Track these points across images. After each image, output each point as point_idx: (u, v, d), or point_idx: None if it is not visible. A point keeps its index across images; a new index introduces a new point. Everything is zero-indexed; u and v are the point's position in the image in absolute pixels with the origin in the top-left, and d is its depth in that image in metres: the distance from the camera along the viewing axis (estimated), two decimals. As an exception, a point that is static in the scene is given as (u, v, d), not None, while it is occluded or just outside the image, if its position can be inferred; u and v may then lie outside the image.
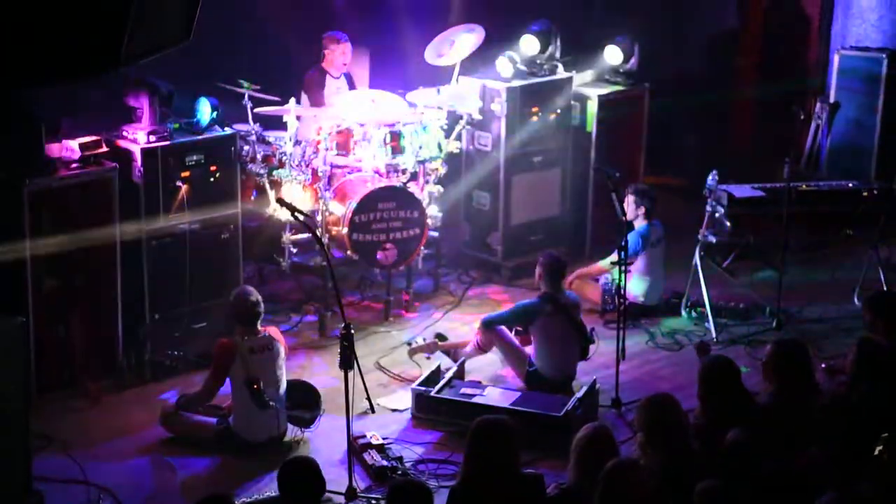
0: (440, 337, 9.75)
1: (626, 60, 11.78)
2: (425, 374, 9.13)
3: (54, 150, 8.78)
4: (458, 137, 10.99)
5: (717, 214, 10.34)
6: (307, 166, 10.09)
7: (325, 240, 9.84)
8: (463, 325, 10.25)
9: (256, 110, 10.07)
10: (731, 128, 13.86)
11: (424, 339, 9.71)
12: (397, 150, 10.30)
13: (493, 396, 8.78)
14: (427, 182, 10.57)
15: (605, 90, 11.71)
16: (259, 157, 10.04)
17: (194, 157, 9.25)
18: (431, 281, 11.07)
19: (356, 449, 8.10)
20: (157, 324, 9.25)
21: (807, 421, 6.99)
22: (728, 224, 10.34)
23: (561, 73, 11.42)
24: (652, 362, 9.75)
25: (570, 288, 9.76)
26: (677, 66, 12.90)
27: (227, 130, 9.56)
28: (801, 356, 7.44)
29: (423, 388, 8.88)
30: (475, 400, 8.71)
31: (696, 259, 10.37)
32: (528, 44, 11.25)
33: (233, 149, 9.50)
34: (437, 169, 10.60)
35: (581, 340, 9.13)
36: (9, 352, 7.10)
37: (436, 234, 10.71)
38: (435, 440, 8.56)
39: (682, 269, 10.53)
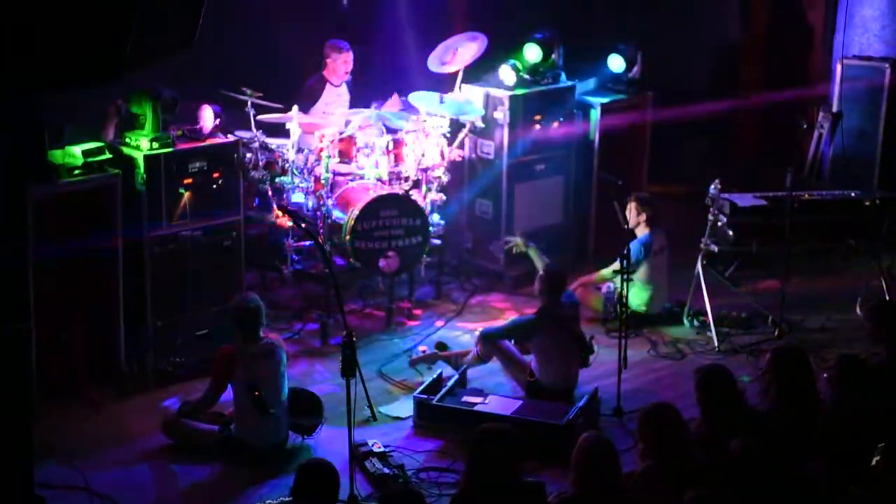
0: (441, 346, 9.75)
1: (629, 69, 11.80)
2: (427, 382, 9.12)
3: (57, 156, 8.78)
4: (461, 145, 11.00)
5: (719, 223, 10.34)
6: (310, 174, 10.09)
7: (328, 247, 9.84)
8: (465, 334, 10.25)
9: (259, 117, 10.08)
10: (734, 136, 13.87)
11: (426, 348, 9.72)
12: (400, 158, 10.32)
13: (495, 405, 8.77)
14: (429, 190, 10.58)
15: (608, 98, 11.71)
16: (262, 164, 10.05)
17: (197, 164, 9.25)
18: (433, 289, 11.08)
19: (358, 457, 8.10)
20: (158, 331, 9.25)
21: (808, 429, 6.98)
22: (730, 233, 10.34)
23: (564, 81, 11.42)
24: (654, 371, 9.75)
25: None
26: (680, 75, 12.90)
27: (230, 137, 9.56)
28: (800, 362, 7.44)
29: (425, 396, 8.88)
30: (477, 408, 8.71)
31: (699, 268, 10.37)
32: (531, 52, 11.26)
33: (235, 156, 9.50)
34: (439, 177, 10.60)
35: (581, 351, 9.12)
36: (11, 359, 7.10)
37: (438, 241, 10.71)
38: (436, 448, 8.55)
39: (684, 277, 10.52)
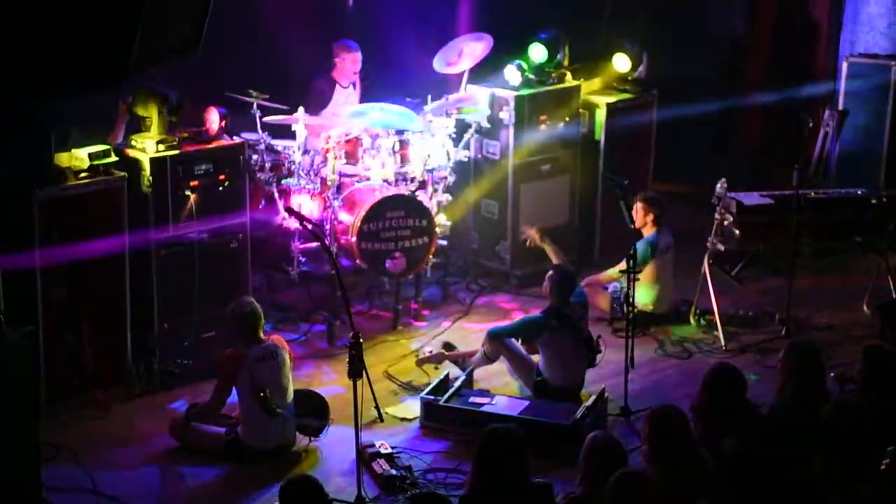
0: (448, 346, 9.76)
1: (634, 68, 11.80)
2: (434, 382, 9.12)
3: (63, 159, 8.79)
4: (467, 146, 11.00)
5: (725, 222, 10.33)
6: (316, 175, 10.10)
7: (334, 249, 9.85)
8: (472, 334, 10.25)
9: (265, 119, 10.08)
10: (740, 135, 13.85)
11: (432, 349, 9.73)
12: (406, 159, 10.32)
13: (502, 405, 8.77)
14: (435, 191, 10.58)
15: (614, 98, 11.71)
16: (268, 166, 10.06)
17: (203, 167, 9.26)
18: (440, 289, 11.07)
19: (365, 458, 8.10)
20: (165, 333, 9.26)
21: (815, 427, 6.97)
22: (737, 232, 10.33)
23: (569, 81, 11.42)
24: (661, 371, 9.74)
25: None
26: (686, 74, 12.89)
27: (236, 139, 9.57)
28: (815, 358, 7.43)
29: (432, 397, 8.88)
30: (484, 409, 8.71)
31: (705, 267, 10.36)
32: (537, 52, 11.26)
33: (241, 158, 9.51)
34: (445, 177, 10.61)
35: (588, 351, 9.11)
36: (18, 361, 7.12)
37: (444, 242, 10.71)
38: (444, 449, 8.55)
39: (690, 277, 10.52)
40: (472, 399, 8.88)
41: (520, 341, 9.24)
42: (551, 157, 11.33)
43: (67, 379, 8.89)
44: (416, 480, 8.08)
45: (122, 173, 8.94)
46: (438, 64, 10.93)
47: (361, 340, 7.73)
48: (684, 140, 13.10)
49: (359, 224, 9.92)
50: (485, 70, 11.19)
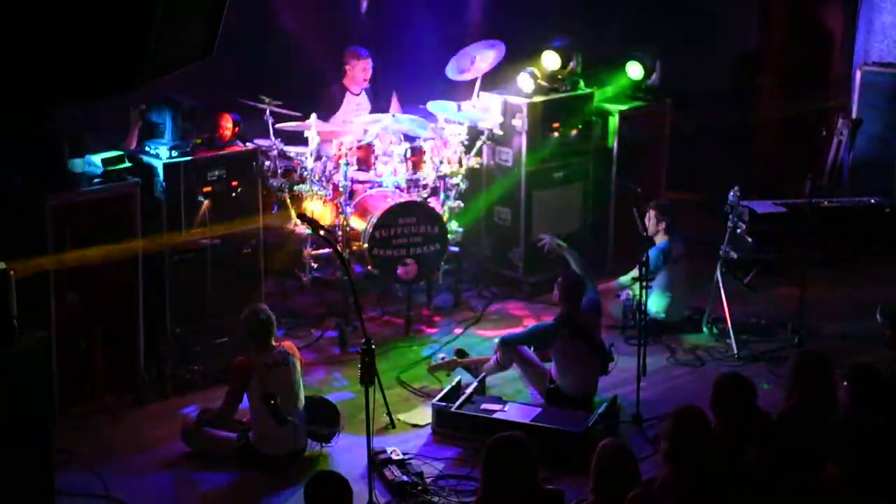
0: (460, 353, 9.75)
1: (647, 76, 11.80)
2: (446, 389, 9.12)
3: (77, 165, 8.81)
4: (479, 153, 11.01)
5: (738, 230, 10.32)
6: (328, 181, 10.11)
7: (346, 255, 9.86)
8: (483, 341, 10.25)
9: (278, 126, 10.10)
10: (753, 143, 13.84)
11: (444, 356, 9.72)
12: (418, 166, 10.33)
13: (514, 412, 8.76)
14: (448, 197, 10.59)
15: (627, 106, 11.71)
16: (280, 172, 10.08)
17: (216, 173, 9.28)
18: (452, 296, 11.08)
19: (376, 464, 8.09)
20: (178, 338, 9.27)
21: (826, 436, 6.95)
22: (750, 240, 10.32)
23: (582, 88, 11.42)
24: (673, 378, 9.73)
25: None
26: (700, 82, 12.89)
27: (249, 145, 9.59)
28: (822, 367, 7.41)
29: (444, 404, 8.88)
30: (496, 416, 8.70)
31: (718, 275, 10.34)
32: (550, 59, 11.26)
33: (254, 164, 9.53)
34: (457, 184, 10.61)
35: (600, 358, 9.10)
36: (31, 366, 7.12)
37: (456, 249, 10.71)
38: (455, 456, 8.55)
39: (703, 285, 10.51)
40: (483, 406, 8.87)
41: (532, 349, 9.24)
42: (564, 164, 11.33)
43: (80, 384, 8.91)
44: (428, 487, 8.08)
45: (136, 179, 8.96)
46: (451, 71, 10.94)
47: (373, 346, 7.72)
48: (697, 148, 13.09)
49: (371, 230, 9.93)
50: (497, 77, 11.20)
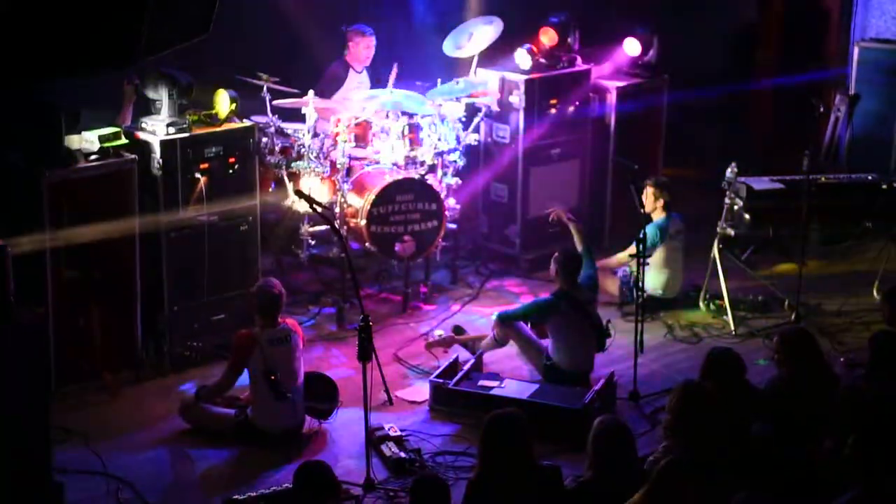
0: (458, 330, 9.77)
1: (645, 52, 11.77)
2: (443, 366, 9.13)
3: (74, 141, 8.80)
4: (477, 129, 10.99)
5: (735, 207, 10.32)
6: (325, 158, 10.10)
7: (344, 232, 9.85)
8: (481, 318, 10.25)
9: (275, 102, 10.08)
10: (750, 120, 13.83)
11: (442, 333, 9.74)
12: (415, 143, 10.32)
13: (511, 389, 8.78)
14: (445, 174, 10.58)
15: (624, 82, 11.69)
16: (277, 149, 10.07)
17: (213, 149, 9.26)
18: (449, 273, 11.08)
19: (374, 441, 8.11)
20: (175, 315, 9.27)
21: (821, 411, 6.98)
22: (747, 216, 10.31)
23: (580, 65, 11.40)
24: (670, 355, 9.74)
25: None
26: (697, 59, 12.87)
27: (246, 122, 9.57)
28: (806, 343, 7.45)
29: (441, 381, 8.89)
30: (493, 392, 8.72)
31: (715, 252, 10.35)
32: (547, 36, 11.24)
33: (251, 141, 9.51)
34: (455, 161, 10.60)
35: (597, 334, 9.11)
36: (29, 343, 7.12)
37: (454, 226, 10.71)
38: (452, 432, 8.57)
39: (700, 261, 10.51)
40: (481, 382, 8.88)
41: (529, 325, 9.25)
42: (561, 141, 11.32)
43: (77, 361, 8.91)
44: (425, 463, 8.10)
45: (132, 156, 8.95)
46: (449, 47, 10.91)
47: (371, 323, 7.73)
48: (695, 124, 13.08)
49: (368, 207, 9.93)
50: (495, 53, 11.17)
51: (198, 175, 9.18)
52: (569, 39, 11.36)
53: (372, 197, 9.93)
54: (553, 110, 11.19)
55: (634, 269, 9.43)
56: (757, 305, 10.50)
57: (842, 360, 8.64)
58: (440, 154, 10.46)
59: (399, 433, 8.33)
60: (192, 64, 9.25)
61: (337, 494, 6.57)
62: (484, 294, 10.87)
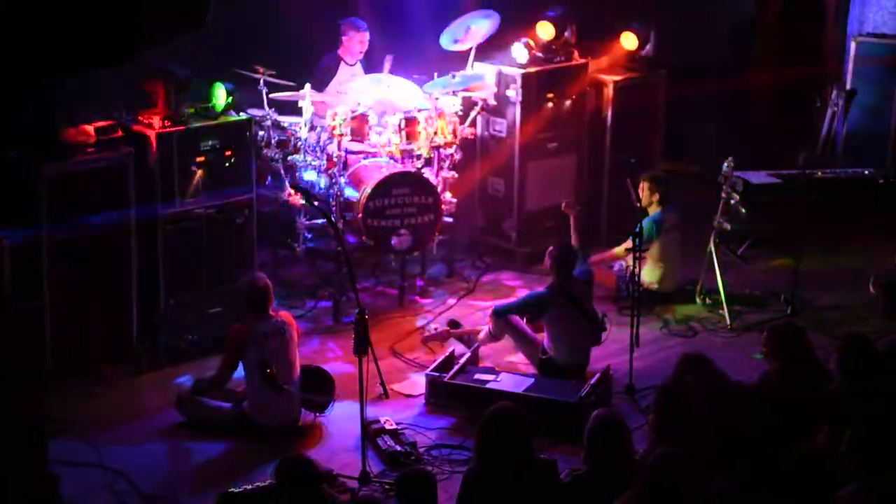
0: (453, 324, 9.78)
1: (642, 46, 11.77)
2: (439, 359, 9.14)
3: (70, 134, 8.80)
4: (473, 123, 10.99)
5: (732, 201, 10.32)
6: (322, 151, 10.10)
7: (340, 225, 9.85)
8: (477, 312, 10.26)
9: (272, 95, 10.08)
10: (747, 114, 13.83)
11: (438, 326, 9.75)
12: (412, 136, 10.31)
13: (507, 382, 8.78)
14: (441, 168, 10.58)
15: (621, 76, 11.69)
16: (274, 142, 10.06)
17: (209, 142, 9.26)
18: (446, 267, 11.08)
19: (370, 434, 8.12)
20: (172, 308, 9.28)
21: (811, 405, 6.99)
22: (743, 211, 10.32)
23: (577, 58, 11.40)
24: (666, 349, 9.73)
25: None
26: (694, 53, 12.87)
27: (243, 115, 9.57)
28: (796, 337, 7.46)
29: (437, 374, 8.90)
30: (489, 386, 8.72)
31: (711, 246, 10.35)
32: (544, 29, 11.23)
33: (248, 134, 9.51)
34: (451, 155, 10.60)
35: (593, 328, 9.12)
36: (25, 335, 7.13)
37: (450, 219, 10.71)
38: (448, 426, 8.57)
39: (696, 256, 10.51)
40: (477, 376, 8.89)
41: (525, 319, 9.25)
42: (558, 135, 11.32)
43: (73, 354, 8.91)
44: (421, 456, 8.10)
45: (129, 148, 8.95)
46: (446, 41, 10.91)
47: (367, 317, 7.74)
48: (692, 119, 13.08)
49: (365, 201, 9.92)
50: (492, 47, 11.17)
51: (194, 168, 9.18)
52: (566, 33, 11.36)
53: (368, 190, 9.93)
54: (550, 104, 11.19)
55: (631, 263, 9.43)
56: (753, 299, 10.50)
57: (835, 355, 8.64)
58: (437, 148, 10.46)
59: (395, 426, 8.34)
60: (188, 57, 9.24)
61: (320, 485, 6.58)
62: (480, 288, 10.87)
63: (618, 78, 11.65)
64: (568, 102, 11.30)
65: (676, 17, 12.68)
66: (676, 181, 10.88)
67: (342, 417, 8.50)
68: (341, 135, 10.06)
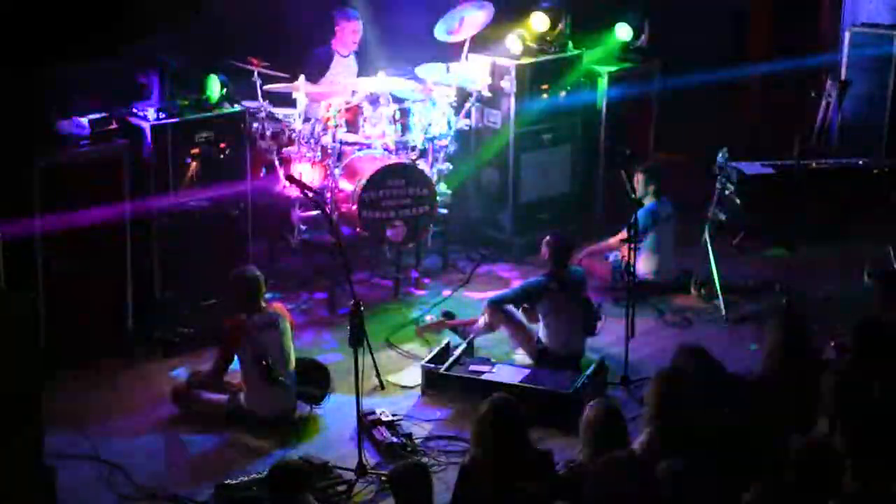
0: (448, 315, 9.78)
1: (636, 37, 11.76)
2: (435, 351, 9.13)
3: (65, 126, 8.78)
4: (468, 114, 10.98)
5: (726, 192, 10.32)
6: (316, 143, 10.09)
7: (335, 217, 9.84)
8: (472, 303, 10.25)
9: (266, 87, 10.06)
10: (742, 105, 13.83)
11: (433, 318, 9.74)
12: (406, 128, 10.30)
13: (502, 373, 8.79)
14: (436, 159, 10.57)
15: (615, 67, 11.68)
16: (268, 134, 10.04)
17: (204, 134, 9.25)
18: (440, 258, 11.08)
19: (366, 425, 8.11)
20: (166, 301, 9.26)
21: (810, 396, 6.99)
22: (738, 201, 10.32)
23: (571, 50, 11.39)
24: (661, 340, 9.74)
25: (580, 265, 9.74)
26: (688, 43, 12.85)
27: (237, 107, 9.55)
28: (796, 325, 7.45)
29: (433, 365, 8.90)
30: (484, 377, 8.73)
31: (706, 236, 10.35)
32: (538, 20, 11.22)
33: (242, 126, 9.50)
34: (446, 146, 10.59)
35: (588, 317, 9.13)
36: (19, 328, 7.11)
37: (445, 211, 10.70)
38: (444, 417, 8.58)
39: (691, 246, 10.51)
40: (472, 367, 8.89)
41: (520, 309, 9.25)
42: (552, 126, 11.31)
43: (68, 346, 8.90)
44: (417, 448, 8.11)
45: (124, 141, 8.93)
46: (440, 32, 10.89)
47: (362, 309, 7.74)
48: (686, 109, 13.07)
49: (359, 192, 9.91)
50: (486, 39, 11.15)
51: (188, 160, 9.17)
52: (560, 24, 11.34)
53: (363, 182, 9.92)
54: (544, 95, 11.18)
55: (626, 253, 9.44)
56: (747, 290, 10.50)
57: (832, 344, 8.65)
58: (431, 139, 10.45)
59: (391, 418, 8.34)
60: (182, 49, 9.23)
61: (310, 485, 6.65)
62: (475, 279, 10.87)
63: (612, 69, 11.64)
64: (562, 93, 11.28)
65: (670, 7, 12.66)
66: (671, 171, 10.87)
67: (338, 409, 8.51)
68: (336, 126, 10.05)
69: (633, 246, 9.22)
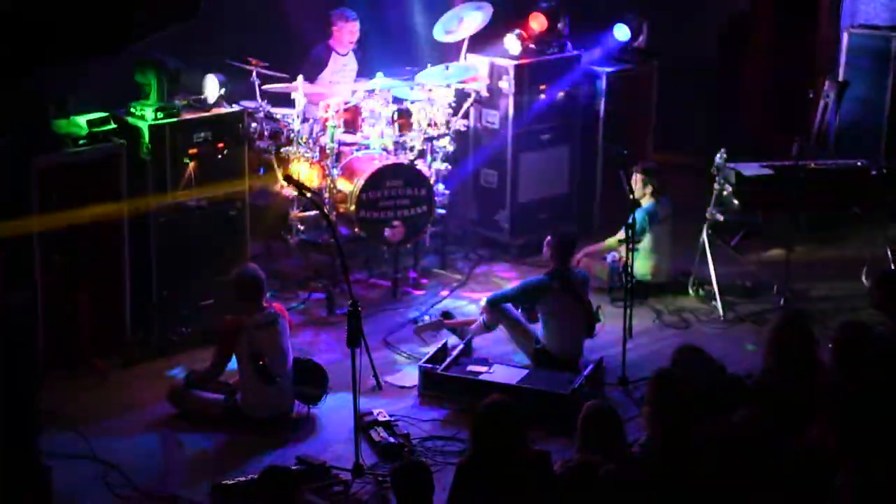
0: (446, 315, 9.78)
1: (634, 38, 11.76)
2: (432, 351, 9.13)
3: (62, 126, 8.77)
4: (466, 115, 10.98)
5: (725, 192, 10.32)
6: (315, 143, 10.09)
7: (333, 217, 9.84)
8: (470, 304, 10.26)
9: (264, 87, 10.06)
10: (740, 106, 13.83)
11: (431, 318, 9.74)
12: (405, 128, 10.30)
13: (500, 374, 8.78)
14: (434, 159, 10.57)
15: (614, 68, 11.68)
16: (267, 134, 10.04)
17: (202, 134, 9.24)
18: (438, 258, 11.08)
19: (363, 426, 8.11)
20: (164, 300, 9.26)
21: (809, 396, 6.98)
22: (736, 202, 10.32)
23: (569, 50, 11.39)
24: (659, 340, 9.74)
25: (577, 266, 9.74)
26: (687, 44, 12.87)
27: (235, 107, 9.55)
28: (799, 327, 7.44)
29: (430, 366, 8.89)
30: (482, 377, 8.72)
31: (704, 237, 10.35)
32: (537, 21, 11.22)
33: (241, 126, 9.50)
34: (444, 146, 10.59)
35: (588, 318, 9.12)
36: (16, 328, 7.11)
37: (443, 211, 10.70)
38: (442, 417, 8.58)
39: (689, 247, 10.51)
40: (470, 368, 8.89)
41: (520, 308, 9.25)
42: (551, 126, 11.31)
43: (66, 346, 8.90)
44: (414, 448, 8.10)
45: (121, 140, 8.93)
46: (438, 32, 10.89)
47: (360, 309, 7.73)
48: (684, 110, 13.08)
49: (358, 193, 9.91)
50: (485, 39, 11.15)
51: (187, 160, 9.17)
52: (559, 25, 11.34)
53: (361, 182, 9.92)
54: (543, 96, 11.18)
55: (624, 254, 9.43)
56: (745, 291, 10.51)
57: (830, 346, 8.64)
58: (430, 139, 10.45)
59: (388, 418, 8.34)
60: (180, 48, 9.22)
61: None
62: (473, 279, 10.87)
63: (611, 69, 11.64)
64: (561, 94, 11.28)
65: (669, 8, 12.67)
66: (669, 172, 10.88)
67: (335, 409, 8.50)
68: (334, 126, 10.05)
69: (630, 246, 9.21)
